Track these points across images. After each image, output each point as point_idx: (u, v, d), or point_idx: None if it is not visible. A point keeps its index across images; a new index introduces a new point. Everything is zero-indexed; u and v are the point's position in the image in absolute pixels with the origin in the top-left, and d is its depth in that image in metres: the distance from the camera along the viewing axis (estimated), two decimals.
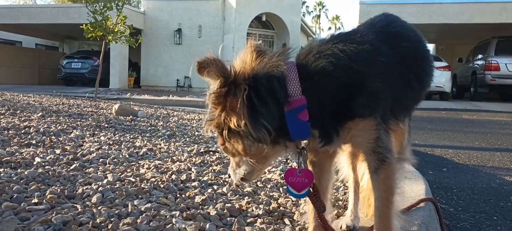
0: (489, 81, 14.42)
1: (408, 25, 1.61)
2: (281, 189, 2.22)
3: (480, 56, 15.63)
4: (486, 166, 4.07)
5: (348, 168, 1.82)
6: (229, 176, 1.48)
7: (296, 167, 1.37)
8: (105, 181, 2.07)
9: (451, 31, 19.17)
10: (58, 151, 2.69)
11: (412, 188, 2.32)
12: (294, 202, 1.98)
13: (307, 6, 68.73)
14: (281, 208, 1.90)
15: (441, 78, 14.80)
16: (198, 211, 1.73)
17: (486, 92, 15.07)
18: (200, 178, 2.31)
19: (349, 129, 1.30)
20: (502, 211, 2.62)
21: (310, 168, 1.42)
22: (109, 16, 8.45)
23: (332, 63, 1.25)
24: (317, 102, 1.25)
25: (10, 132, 3.24)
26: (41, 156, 2.50)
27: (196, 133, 4.20)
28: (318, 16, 70.56)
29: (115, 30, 8.54)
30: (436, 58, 16.25)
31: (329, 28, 72.27)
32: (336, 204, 2.08)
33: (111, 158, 2.63)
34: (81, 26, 8.53)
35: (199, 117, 6.11)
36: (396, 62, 1.39)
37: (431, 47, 24.85)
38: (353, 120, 1.29)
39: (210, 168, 2.59)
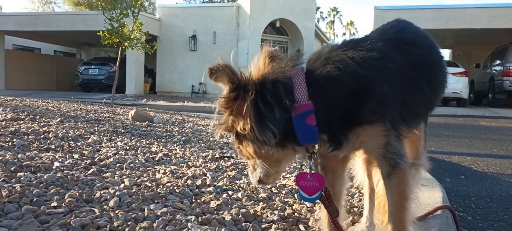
0: (507, 88, 14.14)
1: (421, 31, 1.61)
2: (296, 195, 2.21)
3: (498, 62, 15.35)
4: (505, 173, 3.99)
5: (363, 174, 1.81)
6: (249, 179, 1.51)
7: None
8: (122, 185, 2.10)
9: (468, 36, 18.88)
10: (76, 156, 2.74)
11: (429, 196, 2.30)
12: (309, 208, 1.97)
13: (321, 12, 68.55)
14: (296, 214, 1.90)
15: (458, 84, 14.57)
16: (213, 216, 1.74)
17: (505, 99, 14.77)
18: (215, 183, 2.32)
19: (358, 134, 1.31)
20: None
21: (322, 173, 1.43)
22: (125, 23, 8.59)
23: (339, 69, 1.27)
24: (324, 108, 1.26)
25: (30, 137, 3.32)
26: (60, 160, 2.55)
27: (211, 139, 4.23)
28: (333, 22, 70.34)
29: (131, 37, 8.68)
30: (453, 64, 16.02)
31: (344, 34, 71.98)
32: (351, 210, 2.07)
33: (127, 163, 2.66)
34: (98, 33, 8.70)
35: (214, 123, 6.14)
36: (407, 69, 1.39)
37: (447, 52, 24.52)
38: (361, 126, 1.29)
39: (225, 173, 2.60)
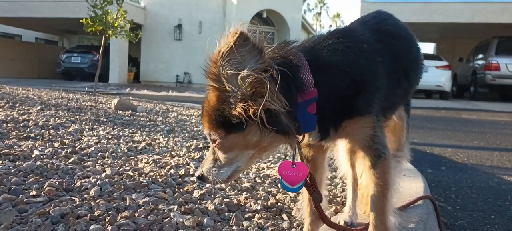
0: (489, 81, 14.41)
1: (400, 23, 1.62)
2: (279, 185, 2.22)
3: (480, 56, 15.62)
4: (485, 165, 4.07)
5: (347, 164, 1.82)
6: (201, 179, 1.33)
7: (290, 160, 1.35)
8: (103, 174, 2.07)
9: (452, 30, 19.16)
10: (56, 144, 2.68)
11: (411, 186, 2.33)
12: (292, 198, 1.98)
13: (308, 4, 68.53)
14: (279, 203, 1.91)
15: (441, 78, 14.77)
16: (196, 206, 1.73)
17: (486, 92, 15.06)
18: None
19: (345, 125, 1.31)
20: (499, 210, 2.63)
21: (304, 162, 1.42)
22: (109, 10, 8.42)
23: (342, 58, 1.26)
24: (325, 95, 1.23)
25: (9, 125, 3.24)
26: (40, 149, 2.50)
27: (195, 129, 4.20)
28: (319, 14, 70.43)
29: (115, 24, 8.52)
30: (437, 57, 16.24)
31: (330, 26, 72.18)
32: (334, 200, 2.09)
33: (109, 152, 2.62)
34: (81, 20, 8.51)
35: (198, 112, 6.10)
36: (389, 61, 1.40)
37: (432, 46, 24.84)
38: (352, 117, 1.29)
39: None
